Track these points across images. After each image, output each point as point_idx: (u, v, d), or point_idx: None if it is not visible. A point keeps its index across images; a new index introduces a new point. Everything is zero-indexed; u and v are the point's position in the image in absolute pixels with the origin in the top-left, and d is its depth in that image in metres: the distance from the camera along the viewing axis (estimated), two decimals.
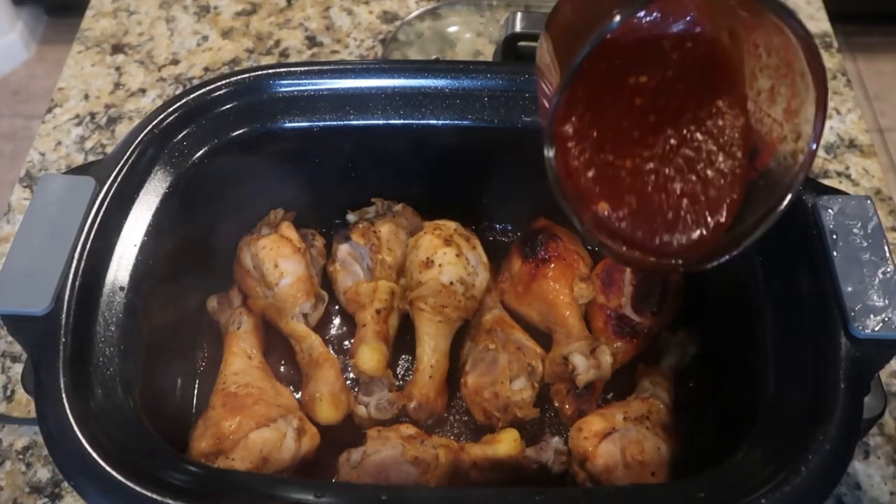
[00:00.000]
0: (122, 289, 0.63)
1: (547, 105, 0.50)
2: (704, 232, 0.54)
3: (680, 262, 0.55)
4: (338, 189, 0.81)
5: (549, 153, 0.50)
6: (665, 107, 0.53)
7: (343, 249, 0.81)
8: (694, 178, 0.54)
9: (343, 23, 1.12)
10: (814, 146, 0.50)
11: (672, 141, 0.54)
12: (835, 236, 0.62)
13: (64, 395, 0.56)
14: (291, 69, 0.74)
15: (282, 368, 0.79)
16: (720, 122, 0.54)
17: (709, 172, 0.54)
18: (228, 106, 0.73)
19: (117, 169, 0.67)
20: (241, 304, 0.79)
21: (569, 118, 0.52)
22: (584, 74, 0.48)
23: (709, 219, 0.54)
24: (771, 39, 0.50)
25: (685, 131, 0.54)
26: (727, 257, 0.53)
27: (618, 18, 0.44)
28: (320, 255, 0.82)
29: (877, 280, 0.59)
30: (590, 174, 0.53)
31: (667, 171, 0.54)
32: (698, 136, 0.54)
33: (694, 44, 0.52)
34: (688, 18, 0.52)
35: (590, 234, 0.53)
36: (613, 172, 0.53)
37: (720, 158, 0.54)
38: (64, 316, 0.59)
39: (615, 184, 0.54)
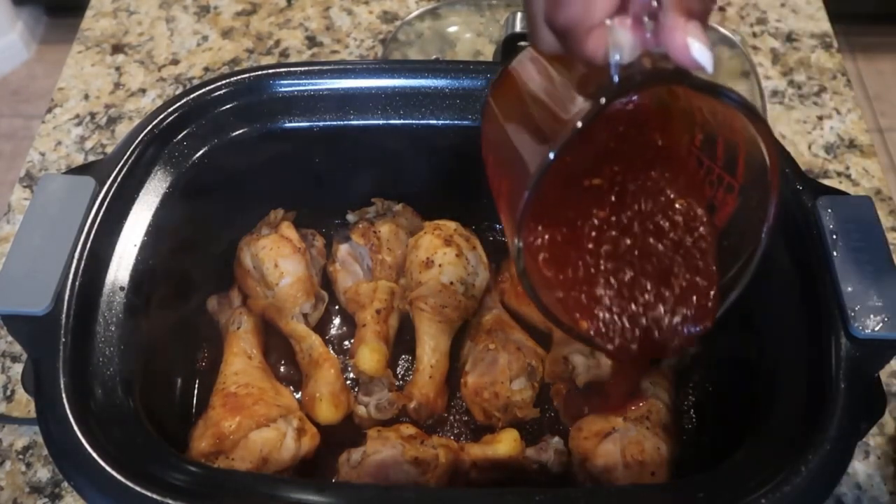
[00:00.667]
0: (122, 289, 0.63)
1: (512, 204, 0.47)
2: (697, 307, 0.53)
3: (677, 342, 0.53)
4: (338, 189, 0.81)
5: (518, 248, 0.47)
6: (622, 197, 0.52)
7: (343, 249, 0.81)
8: (672, 260, 0.52)
9: (343, 23, 1.12)
10: (772, 208, 0.48)
11: (638, 229, 0.52)
12: (835, 236, 0.62)
13: (64, 395, 0.56)
14: (291, 69, 0.74)
15: (282, 368, 0.79)
16: (674, 191, 0.52)
17: (683, 251, 0.52)
18: (228, 106, 0.73)
19: (117, 169, 0.67)
20: (241, 304, 0.79)
21: (534, 223, 0.50)
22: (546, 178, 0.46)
23: (698, 295, 0.53)
24: (715, 108, 0.49)
25: (645, 217, 0.52)
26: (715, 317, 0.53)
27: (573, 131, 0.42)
28: (320, 255, 0.82)
29: (877, 280, 0.59)
30: (561, 286, 0.51)
31: (641, 262, 0.52)
32: (660, 216, 0.52)
33: (633, 122, 0.51)
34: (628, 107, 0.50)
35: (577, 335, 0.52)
36: (583, 275, 0.52)
37: (689, 233, 0.52)
38: (64, 316, 0.59)
39: (586, 287, 0.52)
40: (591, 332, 0.52)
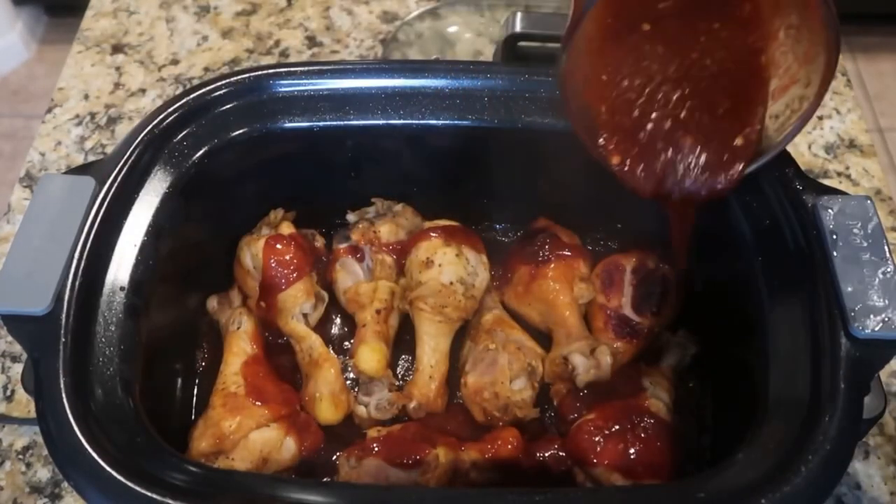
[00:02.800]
0: (122, 289, 0.63)
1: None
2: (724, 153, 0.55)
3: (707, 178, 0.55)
4: (338, 189, 0.81)
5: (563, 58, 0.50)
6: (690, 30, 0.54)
7: (343, 249, 0.81)
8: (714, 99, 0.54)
9: (343, 23, 1.12)
10: (819, 96, 0.51)
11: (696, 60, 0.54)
12: (835, 236, 0.62)
13: (64, 395, 0.56)
14: (291, 69, 0.74)
15: (282, 368, 0.78)
16: (742, 45, 0.54)
17: (728, 94, 0.54)
18: (228, 106, 0.73)
19: (117, 169, 0.67)
20: (241, 304, 0.79)
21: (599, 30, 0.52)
22: None
23: (731, 139, 0.55)
24: None
25: (707, 54, 0.54)
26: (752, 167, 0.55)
27: None
28: (320, 255, 0.82)
29: (877, 280, 0.59)
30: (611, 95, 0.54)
31: (687, 90, 0.54)
32: (718, 57, 0.54)
33: None
34: None
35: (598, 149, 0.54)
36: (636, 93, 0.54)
37: (743, 81, 0.54)
38: (64, 316, 0.59)
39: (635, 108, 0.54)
40: (619, 161, 0.54)
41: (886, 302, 0.58)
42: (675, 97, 0.54)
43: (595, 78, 0.55)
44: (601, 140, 0.55)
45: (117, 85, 1.06)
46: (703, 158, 0.55)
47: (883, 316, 0.58)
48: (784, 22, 0.52)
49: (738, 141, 0.55)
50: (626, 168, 0.55)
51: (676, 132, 0.55)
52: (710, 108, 0.54)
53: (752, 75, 0.54)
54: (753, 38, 0.53)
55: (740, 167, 0.55)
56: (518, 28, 0.82)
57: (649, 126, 0.54)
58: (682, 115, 0.54)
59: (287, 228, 0.79)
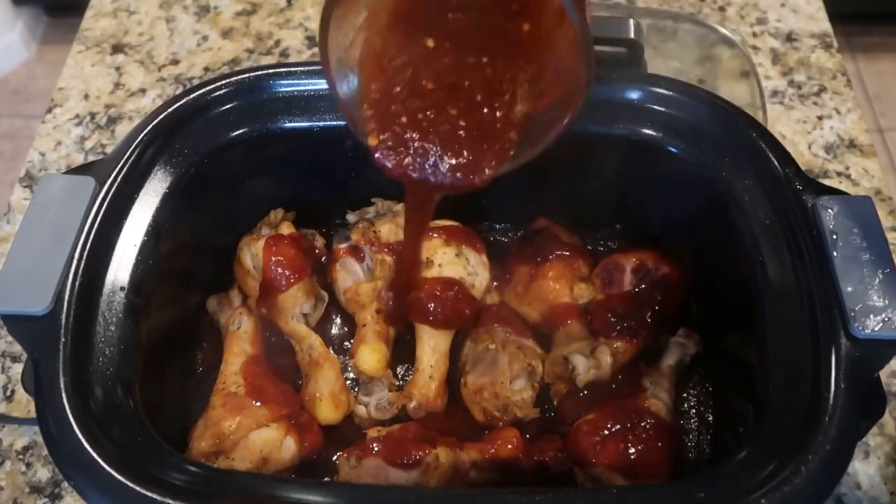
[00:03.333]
0: (122, 289, 0.63)
1: None
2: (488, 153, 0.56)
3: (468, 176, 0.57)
4: (338, 189, 0.81)
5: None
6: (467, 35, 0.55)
7: (343, 249, 0.81)
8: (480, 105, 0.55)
9: None
10: (570, 115, 0.52)
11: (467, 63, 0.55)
12: (835, 236, 0.62)
13: (64, 395, 0.56)
14: (291, 69, 0.74)
15: (282, 368, 0.78)
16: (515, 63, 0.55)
17: (496, 104, 0.55)
18: (228, 106, 0.73)
19: (117, 169, 0.67)
20: (241, 304, 0.79)
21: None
22: None
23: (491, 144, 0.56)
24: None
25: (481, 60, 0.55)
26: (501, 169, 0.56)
27: None
28: (320, 255, 0.82)
29: (877, 280, 0.59)
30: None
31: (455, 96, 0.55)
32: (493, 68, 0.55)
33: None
34: None
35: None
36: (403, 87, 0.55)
37: (509, 95, 0.55)
38: (64, 316, 0.59)
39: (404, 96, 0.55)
40: (375, 143, 0.56)
41: (886, 302, 0.58)
42: (439, 94, 0.55)
43: (373, 53, 0.56)
44: (364, 116, 0.56)
45: (117, 85, 1.06)
46: (453, 160, 0.56)
47: (883, 316, 0.58)
48: (563, 35, 0.53)
49: (493, 144, 0.56)
50: (378, 151, 0.57)
51: (436, 124, 0.56)
52: (470, 110, 0.56)
53: (521, 82, 0.56)
54: (533, 44, 0.55)
55: (489, 171, 0.57)
56: None
57: (409, 118, 0.56)
58: (442, 114, 0.56)
59: (287, 228, 0.79)
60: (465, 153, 0.56)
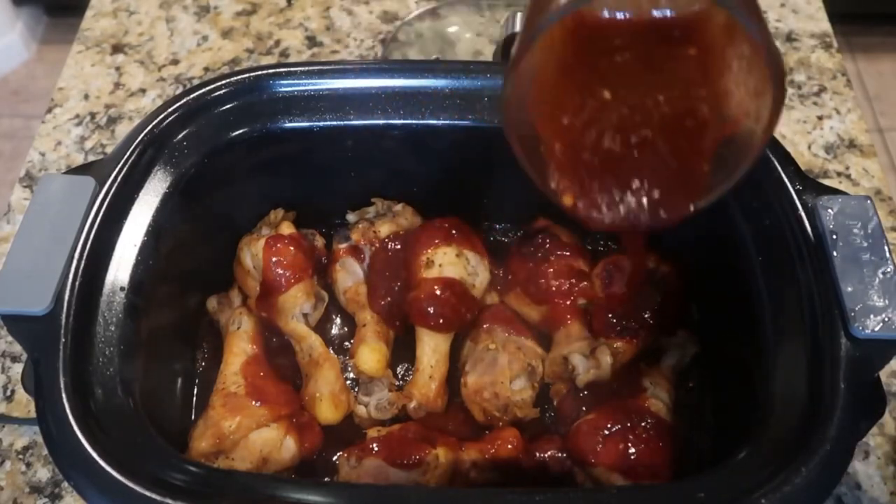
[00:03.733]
0: (122, 289, 0.63)
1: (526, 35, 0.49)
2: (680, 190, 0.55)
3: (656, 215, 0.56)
4: (338, 189, 0.81)
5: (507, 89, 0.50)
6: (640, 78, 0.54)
7: (343, 249, 0.81)
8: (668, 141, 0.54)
9: (343, 23, 1.12)
10: (766, 133, 0.51)
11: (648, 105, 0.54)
12: (835, 236, 0.62)
13: (64, 395, 0.56)
14: (291, 69, 0.74)
15: (282, 368, 0.78)
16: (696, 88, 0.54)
17: (684, 135, 0.54)
18: (228, 106, 0.73)
19: (117, 169, 0.67)
20: (241, 304, 0.79)
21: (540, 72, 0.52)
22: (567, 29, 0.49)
23: (685, 177, 0.55)
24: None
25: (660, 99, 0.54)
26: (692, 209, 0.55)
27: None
28: (320, 255, 0.82)
29: (877, 280, 0.59)
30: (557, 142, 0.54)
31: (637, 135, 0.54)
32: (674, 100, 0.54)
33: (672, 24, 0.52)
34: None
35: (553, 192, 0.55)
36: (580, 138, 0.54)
37: (694, 121, 0.54)
38: (64, 316, 0.59)
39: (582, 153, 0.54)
40: (572, 202, 0.55)
41: (886, 302, 0.58)
42: (626, 136, 0.54)
43: (546, 111, 0.54)
44: (552, 180, 0.55)
45: (117, 85, 1.06)
46: (654, 199, 0.55)
47: (883, 316, 0.58)
48: (736, 52, 0.52)
49: (690, 178, 0.55)
50: (578, 207, 0.56)
51: (628, 173, 0.55)
52: (662, 148, 0.55)
53: (703, 112, 0.54)
54: (706, 68, 0.53)
55: (691, 207, 0.56)
56: (518, 28, 0.82)
57: (600, 166, 0.55)
58: (634, 155, 0.54)
59: (287, 228, 0.79)
60: (662, 195, 0.55)
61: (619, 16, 0.51)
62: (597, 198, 0.55)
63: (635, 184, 0.55)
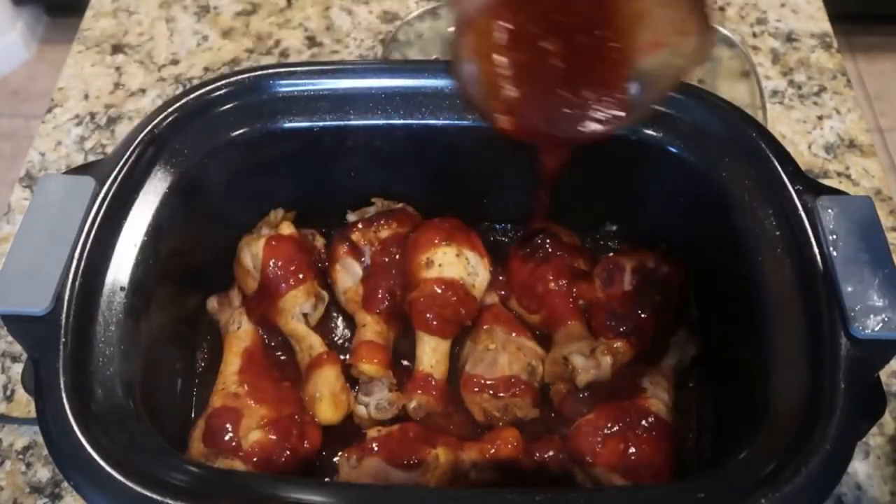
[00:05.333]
0: (122, 289, 0.63)
1: None
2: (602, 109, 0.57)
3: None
4: (338, 189, 0.81)
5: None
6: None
7: (343, 249, 0.81)
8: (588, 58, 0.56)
9: (343, 23, 1.12)
10: (689, 64, 0.54)
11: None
12: (835, 236, 0.62)
13: (64, 395, 0.56)
14: (291, 69, 0.74)
15: (282, 368, 0.78)
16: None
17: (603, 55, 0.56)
18: (228, 106, 0.73)
19: (117, 169, 0.67)
20: (241, 304, 0.79)
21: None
22: None
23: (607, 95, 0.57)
24: None
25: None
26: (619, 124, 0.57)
27: None
28: (320, 255, 0.82)
29: (877, 280, 0.59)
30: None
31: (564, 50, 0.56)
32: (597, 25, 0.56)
33: None
34: None
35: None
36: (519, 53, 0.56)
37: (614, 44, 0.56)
38: (64, 316, 0.59)
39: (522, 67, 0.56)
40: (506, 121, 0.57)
41: (886, 302, 0.58)
42: (552, 50, 0.56)
43: (483, 32, 0.56)
44: (488, 106, 0.57)
45: (117, 85, 1.06)
46: (584, 108, 0.57)
47: (883, 316, 0.58)
48: None
49: (614, 90, 0.57)
50: (509, 123, 0.58)
51: (557, 83, 0.57)
52: (588, 60, 0.57)
53: (616, 27, 0.56)
54: None
55: (613, 115, 0.57)
56: None
57: (527, 80, 0.57)
58: (562, 67, 0.56)
59: (287, 228, 0.79)
60: (584, 105, 0.57)
61: None
62: (526, 113, 0.57)
63: (559, 94, 0.57)
